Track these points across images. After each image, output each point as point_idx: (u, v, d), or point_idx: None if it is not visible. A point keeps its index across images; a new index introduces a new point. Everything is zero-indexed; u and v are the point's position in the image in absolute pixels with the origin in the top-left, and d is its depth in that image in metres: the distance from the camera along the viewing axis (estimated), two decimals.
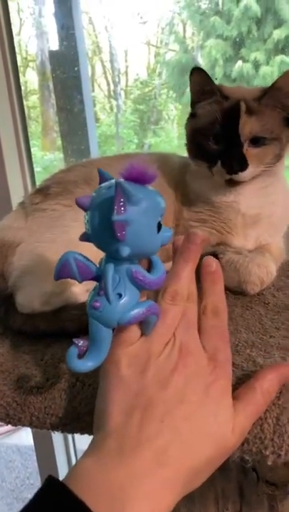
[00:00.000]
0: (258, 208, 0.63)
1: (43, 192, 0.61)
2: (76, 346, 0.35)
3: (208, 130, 0.60)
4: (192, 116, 0.64)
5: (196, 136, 0.62)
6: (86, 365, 0.34)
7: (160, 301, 0.38)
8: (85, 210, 0.33)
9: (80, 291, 0.53)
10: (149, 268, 0.36)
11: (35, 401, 0.45)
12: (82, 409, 0.44)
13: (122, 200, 0.31)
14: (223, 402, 0.36)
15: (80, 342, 0.35)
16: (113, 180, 0.33)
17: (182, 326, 0.38)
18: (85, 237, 0.33)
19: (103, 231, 0.32)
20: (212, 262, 0.41)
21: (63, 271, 0.35)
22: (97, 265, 0.36)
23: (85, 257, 0.35)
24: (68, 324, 0.51)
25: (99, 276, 0.35)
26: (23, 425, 0.46)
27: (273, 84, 0.58)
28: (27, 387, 0.46)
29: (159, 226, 0.34)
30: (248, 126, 0.58)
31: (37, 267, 0.54)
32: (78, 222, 0.56)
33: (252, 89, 0.62)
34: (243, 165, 0.58)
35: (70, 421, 0.44)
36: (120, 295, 0.34)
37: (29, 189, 1.29)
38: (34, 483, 1.79)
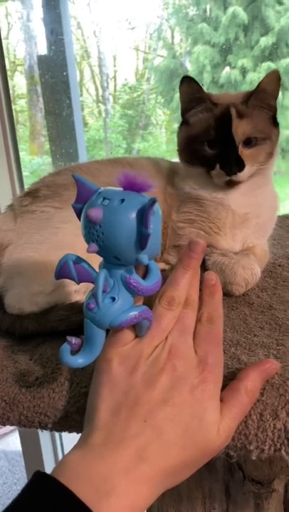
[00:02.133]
0: (247, 207, 0.64)
1: (33, 194, 0.61)
2: (69, 344, 0.37)
3: (203, 136, 0.62)
4: (183, 124, 0.66)
5: (191, 143, 0.64)
6: (77, 361, 0.36)
7: (156, 305, 0.39)
8: (97, 223, 0.34)
9: (69, 292, 0.54)
10: (146, 274, 0.38)
11: (23, 400, 0.45)
12: (70, 407, 0.44)
13: (150, 216, 0.33)
14: (210, 405, 0.37)
15: (73, 340, 0.37)
16: (122, 194, 0.34)
17: (177, 329, 0.39)
18: (92, 249, 0.34)
19: (119, 241, 0.34)
20: (213, 277, 0.43)
21: (62, 271, 0.37)
22: (96, 269, 0.37)
23: (83, 260, 0.37)
24: (57, 324, 0.52)
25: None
26: (12, 424, 0.46)
27: (258, 86, 0.61)
28: (16, 386, 0.46)
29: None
30: (241, 129, 0.60)
31: (26, 268, 0.54)
32: (67, 223, 0.57)
33: (237, 94, 0.64)
34: (241, 165, 0.60)
35: (59, 419, 0.44)
36: (114, 299, 0.36)
37: (17, 193, 1.29)
38: None
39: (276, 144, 0.64)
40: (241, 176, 0.61)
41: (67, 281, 0.54)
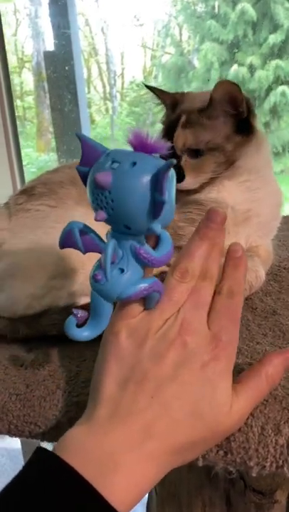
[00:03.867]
0: (245, 203, 0.62)
1: (28, 192, 0.60)
2: (75, 316, 0.35)
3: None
4: None
5: None
6: (83, 334, 0.34)
7: (168, 277, 0.37)
8: (106, 189, 0.31)
9: (63, 295, 0.52)
10: (156, 244, 0.35)
11: (13, 408, 0.43)
12: (61, 417, 0.42)
13: (166, 182, 0.30)
14: (220, 385, 0.35)
15: (79, 313, 0.35)
16: (134, 156, 0.31)
17: (190, 302, 0.37)
18: (101, 217, 0.31)
19: (131, 209, 0.31)
20: (239, 249, 0.40)
21: (67, 240, 0.34)
22: (104, 239, 0.35)
23: (91, 229, 0.34)
24: (49, 328, 0.50)
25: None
26: (1, 433, 0.44)
27: (210, 97, 0.58)
28: (5, 393, 0.45)
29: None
30: (181, 139, 0.59)
31: (19, 269, 0.52)
32: (62, 223, 0.55)
33: (203, 98, 0.61)
34: (179, 177, 0.59)
35: (50, 429, 0.42)
36: (122, 270, 0.33)
37: None
38: None
39: (238, 151, 0.60)
40: (181, 186, 0.60)
41: (61, 283, 0.52)
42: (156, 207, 0.31)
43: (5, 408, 0.44)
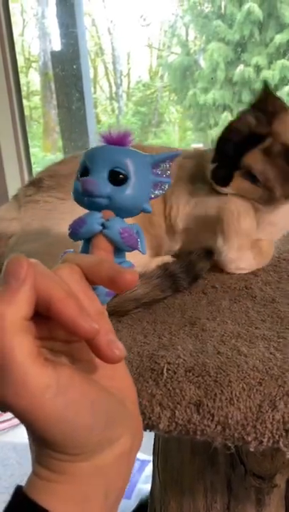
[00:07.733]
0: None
1: (36, 184, 0.62)
2: None
3: (235, 138, 0.59)
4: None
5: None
6: None
7: None
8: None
9: None
10: None
11: None
12: None
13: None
14: None
15: None
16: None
17: None
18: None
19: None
20: None
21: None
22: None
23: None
24: None
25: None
26: None
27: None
28: None
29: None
30: (251, 159, 0.57)
31: (29, 257, 0.54)
32: (70, 214, 0.57)
33: None
34: (226, 180, 0.60)
35: None
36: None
37: None
38: None
39: (284, 201, 0.61)
40: (221, 189, 0.61)
41: None
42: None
43: None
